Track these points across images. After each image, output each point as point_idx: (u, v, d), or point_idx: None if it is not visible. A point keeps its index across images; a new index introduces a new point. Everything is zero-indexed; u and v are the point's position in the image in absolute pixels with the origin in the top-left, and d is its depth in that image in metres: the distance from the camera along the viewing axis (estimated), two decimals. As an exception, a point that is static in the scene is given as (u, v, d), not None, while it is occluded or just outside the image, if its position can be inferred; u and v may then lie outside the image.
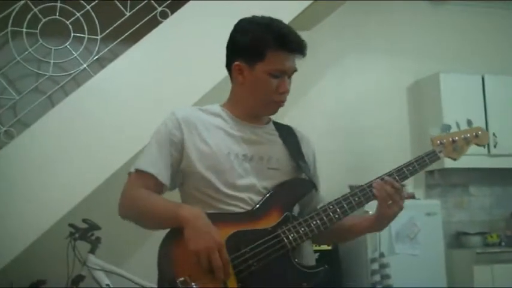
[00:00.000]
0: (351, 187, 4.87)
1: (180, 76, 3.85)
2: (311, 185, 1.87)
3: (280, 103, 1.84)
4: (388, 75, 5.53)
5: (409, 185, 5.26)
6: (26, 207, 3.50)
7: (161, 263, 1.67)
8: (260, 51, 1.77)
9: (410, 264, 4.52)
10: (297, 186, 1.86)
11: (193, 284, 1.60)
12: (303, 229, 1.74)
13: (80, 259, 3.83)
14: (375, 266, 4.42)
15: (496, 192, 5.71)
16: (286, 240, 1.72)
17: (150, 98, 3.76)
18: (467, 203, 5.62)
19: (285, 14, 3.57)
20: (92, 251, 3.88)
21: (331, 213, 1.78)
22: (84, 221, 3.85)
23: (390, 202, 1.81)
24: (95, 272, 3.85)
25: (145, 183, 1.77)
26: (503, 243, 5.30)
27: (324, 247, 4.47)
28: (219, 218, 1.69)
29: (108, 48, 4.06)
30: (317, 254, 4.33)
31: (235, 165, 1.79)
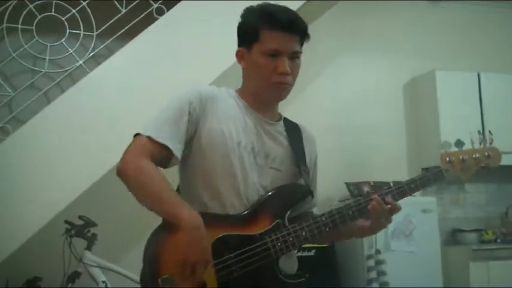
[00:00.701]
0: (347, 185, 4.89)
1: (176, 72, 3.84)
2: (307, 192, 1.85)
3: (281, 85, 1.79)
4: (384, 72, 5.53)
5: (405, 182, 5.27)
6: (21, 204, 3.49)
7: (145, 260, 1.67)
8: (254, 32, 1.76)
9: (407, 261, 4.53)
10: (293, 192, 1.84)
11: (174, 283, 1.61)
12: (291, 239, 1.73)
13: (76, 256, 3.83)
14: (371, 262, 4.43)
15: (491, 189, 5.73)
16: (272, 250, 1.70)
17: (145, 95, 3.75)
18: (463, 200, 5.63)
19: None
20: (88, 247, 3.88)
21: (322, 226, 1.77)
22: (80, 217, 3.85)
23: (383, 219, 1.82)
24: (91, 269, 3.85)
25: (156, 153, 1.70)
26: (498, 240, 5.32)
27: (320, 244, 4.48)
28: (210, 219, 1.66)
29: (104, 44, 4.05)
30: (313, 251, 4.38)
31: (243, 156, 1.76)
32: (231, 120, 1.78)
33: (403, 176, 5.27)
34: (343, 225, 1.80)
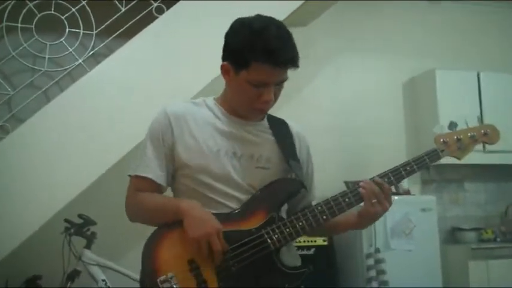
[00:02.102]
0: (346, 183, 4.89)
1: (175, 72, 3.84)
2: (299, 185, 1.83)
3: (262, 111, 1.81)
4: (384, 72, 5.53)
5: (405, 181, 5.26)
6: (21, 202, 3.49)
7: (144, 261, 1.72)
8: (245, 59, 1.70)
9: (406, 259, 4.53)
10: (285, 186, 1.83)
11: (173, 283, 1.64)
12: (287, 230, 1.73)
13: (76, 254, 3.83)
14: (371, 261, 4.44)
15: (491, 188, 5.74)
16: (269, 241, 1.71)
17: (145, 94, 3.76)
18: (462, 198, 5.64)
19: (277, 13, 3.55)
20: (88, 246, 3.89)
21: (318, 214, 1.76)
22: (79, 216, 3.86)
23: (374, 201, 1.78)
24: (91, 267, 3.85)
25: (145, 187, 1.82)
26: (498, 239, 5.33)
27: (320, 242, 4.49)
28: None
29: (104, 43, 4.05)
30: (313, 250, 4.38)
31: (224, 162, 1.78)
32: (206, 130, 1.81)
33: (402, 174, 5.30)
34: (340, 212, 1.79)
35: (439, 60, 5.53)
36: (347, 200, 1.79)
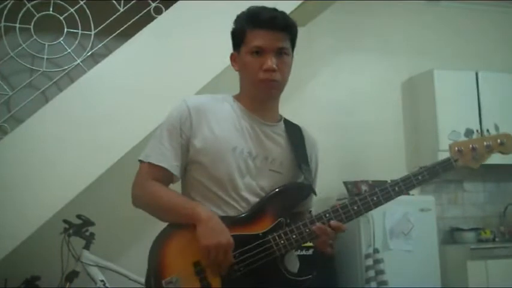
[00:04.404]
0: (345, 183, 4.90)
1: (174, 72, 3.84)
2: (310, 190, 1.85)
3: (267, 82, 1.80)
4: (383, 71, 5.53)
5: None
6: (19, 203, 3.49)
7: (151, 259, 1.74)
8: (241, 34, 1.83)
9: (405, 259, 4.53)
10: (296, 191, 1.85)
11: (178, 285, 1.67)
12: (294, 236, 1.75)
13: (75, 255, 3.83)
14: (369, 261, 4.44)
15: (489, 188, 5.74)
16: (275, 247, 1.73)
17: (144, 94, 3.75)
18: (461, 199, 5.64)
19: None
20: (86, 246, 3.88)
21: (326, 222, 1.75)
22: (78, 216, 3.85)
23: (328, 240, 1.77)
24: (90, 268, 3.85)
25: (157, 175, 1.81)
26: (497, 239, 5.33)
27: (318, 243, 4.48)
28: None
29: (102, 44, 4.04)
30: (311, 250, 4.40)
31: (239, 161, 1.79)
32: (225, 126, 1.82)
33: (401, 174, 5.30)
34: (349, 220, 1.79)
35: (437, 60, 5.53)
36: (355, 208, 1.79)
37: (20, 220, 3.47)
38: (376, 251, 4.46)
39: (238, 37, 1.84)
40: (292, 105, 5.00)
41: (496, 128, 1.97)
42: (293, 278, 1.75)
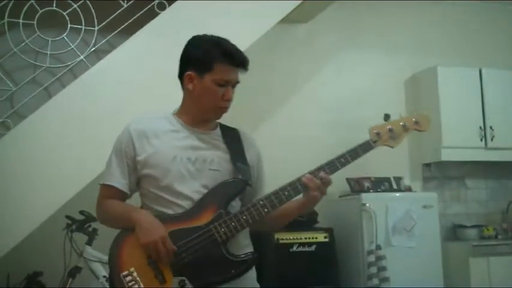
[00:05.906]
0: (347, 180, 4.90)
1: (177, 67, 3.82)
2: (243, 184, 2.07)
3: (224, 109, 2.11)
4: (386, 68, 5.52)
5: (406, 178, 5.27)
6: (22, 198, 3.49)
7: (110, 259, 2.02)
8: (209, 63, 2.05)
9: (407, 256, 4.53)
10: (230, 186, 2.07)
11: (135, 276, 1.94)
12: (233, 224, 1.99)
13: (77, 251, 3.84)
14: (372, 258, 4.44)
15: (492, 185, 5.73)
16: (217, 235, 1.97)
17: (147, 90, 3.75)
18: (463, 195, 5.64)
19: (278, 9, 3.56)
20: (89, 242, 3.89)
21: (260, 208, 2.01)
22: (81, 212, 3.86)
23: (316, 192, 2.01)
24: (92, 264, 3.86)
25: (109, 194, 2.13)
26: (499, 236, 5.33)
27: (321, 239, 4.49)
28: (161, 220, 1.99)
29: (106, 39, 4.04)
30: (314, 246, 4.39)
31: (180, 167, 2.04)
32: (164, 140, 2.09)
33: (403, 171, 5.31)
34: (281, 204, 2.02)
35: (441, 57, 5.52)
36: (286, 193, 2.03)
37: (22, 216, 3.47)
38: (378, 247, 4.46)
39: (204, 64, 2.05)
40: (294, 103, 5.03)
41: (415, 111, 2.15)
42: (234, 259, 1.98)
